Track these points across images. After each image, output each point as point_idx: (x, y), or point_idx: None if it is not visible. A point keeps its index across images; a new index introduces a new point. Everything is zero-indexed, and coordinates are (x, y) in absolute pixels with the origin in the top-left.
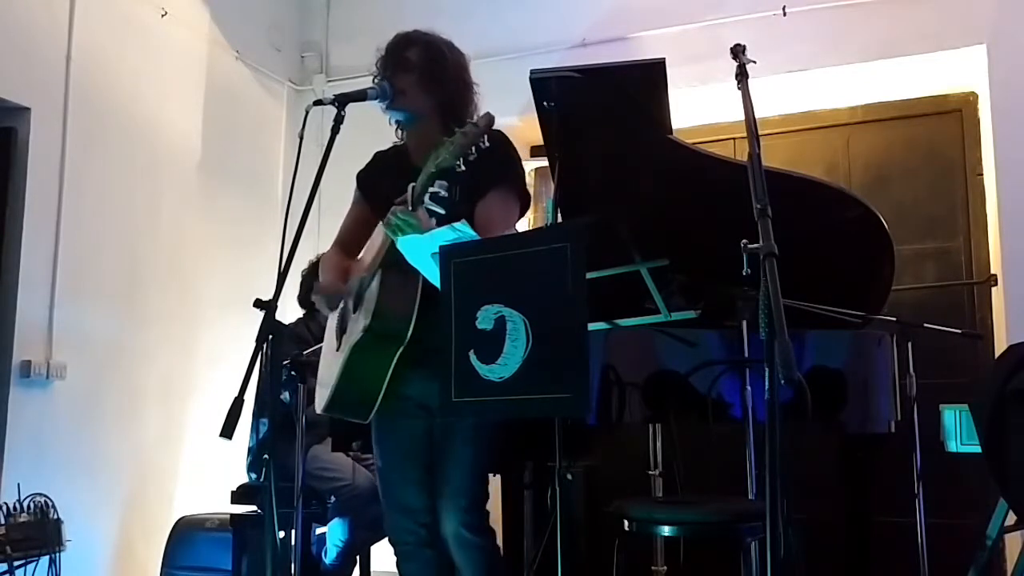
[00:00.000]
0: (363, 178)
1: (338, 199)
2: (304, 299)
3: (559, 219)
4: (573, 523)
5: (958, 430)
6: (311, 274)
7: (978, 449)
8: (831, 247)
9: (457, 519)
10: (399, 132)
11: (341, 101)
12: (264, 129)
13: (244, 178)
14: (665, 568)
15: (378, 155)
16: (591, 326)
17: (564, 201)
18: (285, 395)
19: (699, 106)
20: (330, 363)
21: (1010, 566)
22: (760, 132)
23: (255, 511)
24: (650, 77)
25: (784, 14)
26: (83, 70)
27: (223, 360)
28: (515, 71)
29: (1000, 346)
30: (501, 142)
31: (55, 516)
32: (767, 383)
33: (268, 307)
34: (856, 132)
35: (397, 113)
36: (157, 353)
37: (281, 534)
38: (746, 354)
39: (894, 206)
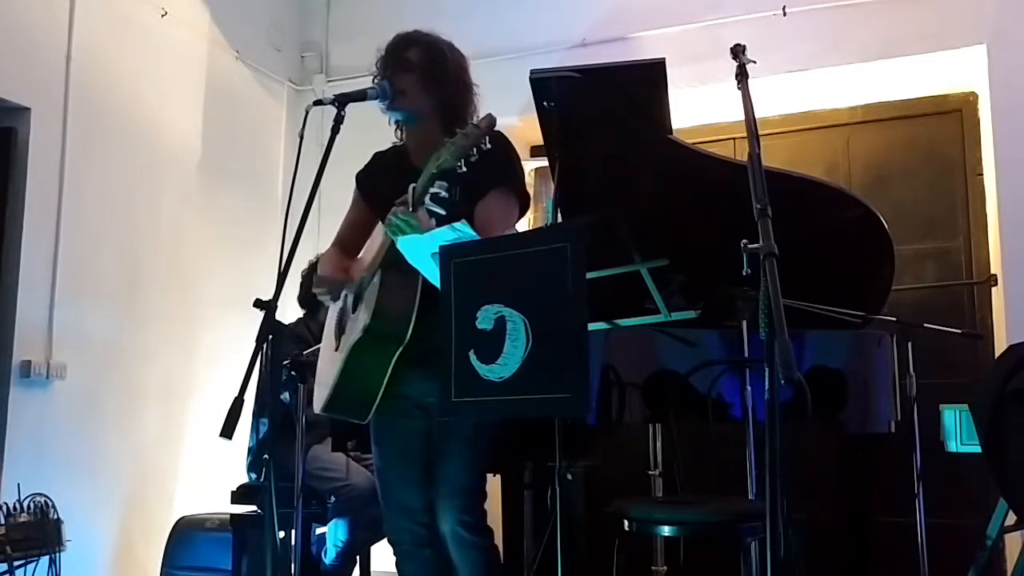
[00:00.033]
0: (362, 178)
1: (338, 199)
2: (304, 299)
3: (559, 219)
4: (573, 523)
5: (958, 430)
6: (311, 274)
7: (978, 449)
8: (831, 247)
9: (454, 518)
10: (399, 132)
11: (341, 101)
12: (264, 129)
13: (244, 178)
14: (665, 568)
15: (377, 155)
16: (591, 326)
17: (564, 201)
18: (285, 395)
19: (699, 106)
20: (329, 363)
21: (1010, 566)
22: (760, 132)
23: (255, 511)
24: (650, 77)
25: (784, 14)
26: (83, 70)
27: (223, 360)
28: (515, 71)
29: (1000, 346)
30: (501, 143)
31: (55, 516)
32: (767, 383)
33: (268, 307)
34: (856, 132)
35: (397, 113)
36: (157, 353)
37: (281, 534)
38: (746, 354)
39: (894, 206)
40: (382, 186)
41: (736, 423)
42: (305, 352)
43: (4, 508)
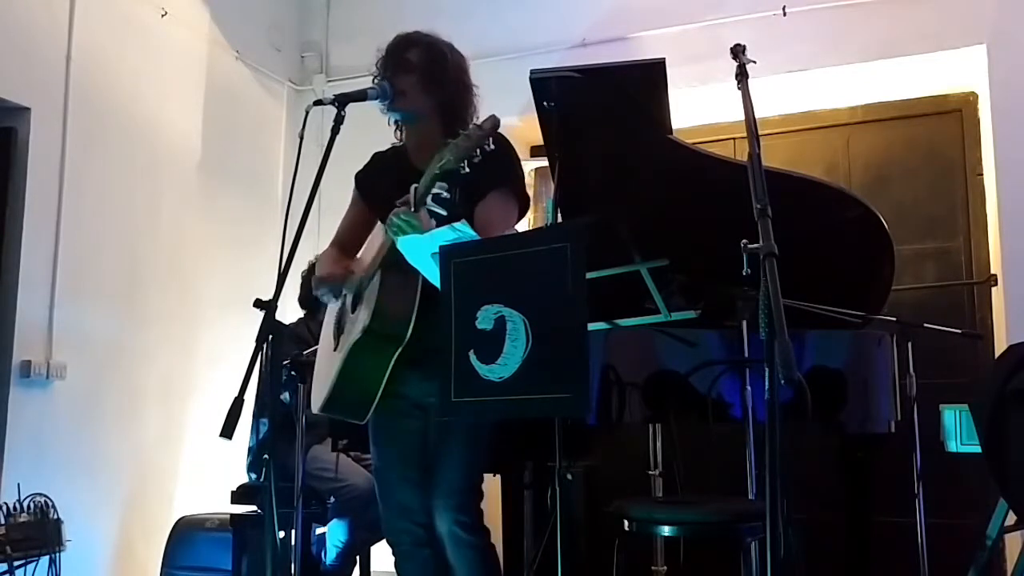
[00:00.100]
0: (362, 179)
1: (338, 199)
2: (304, 299)
3: (559, 219)
4: (573, 523)
5: (958, 430)
6: (311, 274)
7: (978, 449)
8: (831, 247)
9: (451, 518)
10: (399, 133)
11: (341, 101)
12: (264, 129)
13: (244, 178)
14: (665, 568)
15: (377, 156)
16: (591, 326)
17: (564, 201)
18: (285, 395)
19: (699, 106)
20: (327, 363)
21: (1010, 566)
22: (760, 132)
23: (255, 511)
24: (650, 77)
25: (784, 14)
26: (83, 70)
27: (223, 360)
28: (515, 71)
29: (1000, 346)
30: (502, 144)
31: (55, 516)
32: (767, 383)
33: (268, 307)
34: (856, 132)
35: (397, 113)
36: (157, 353)
37: (281, 534)
38: (746, 354)
39: (894, 206)
40: (381, 186)
41: (736, 423)
42: (305, 352)
43: (4, 508)
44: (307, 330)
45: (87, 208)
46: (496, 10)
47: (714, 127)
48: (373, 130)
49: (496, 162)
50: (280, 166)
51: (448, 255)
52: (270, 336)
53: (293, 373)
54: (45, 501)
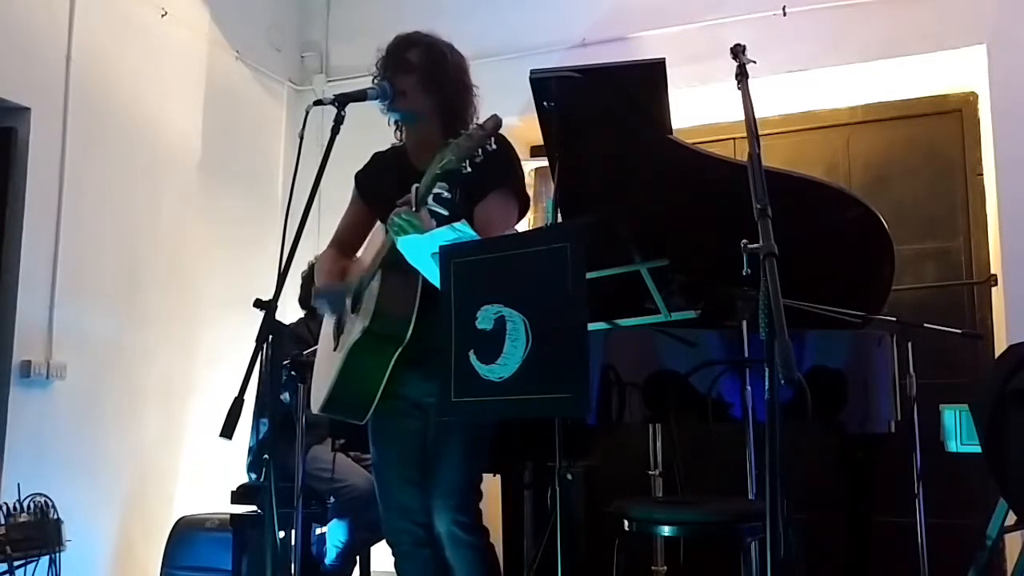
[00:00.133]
0: (361, 178)
1: (338, 199)
2: (304, 300)
3: (559, 219)
4: (573, 523)
5: (958, 430)
6: (311, 275)
7: (978, 449)
8: (831, 247)
9: (449, 518)
10: (398, 133)
11: (341, 101)
12: (264, 129)
13: (244, 178)
14: (665, 568)
15: (377, 156)
16: (591, 326)
17: (564, 201)
18: (285, 395)
19: (699, 106)
20: (327, 363)
21: (1010, 566)
22: (760, 132)
23: (255, 511)
24: (650, 77)
25: (784, 14)
26: (83, 70)
27: (223, 360)
28: (515, 71)
29: (1000, 346)
30: (503, 144)
31: (55, 516)
32: (767, 383)
33: (268, 307)
34: (856, 132)
35: (397, 114)
36: (157, 353)
37: (281, 534)
38: (746, 354)
39: (894, 206)
40: (381, 186)
41: (736, 423)
42: (305, 352)
43: (4, 508)
44: (307, 330)
45: (87, 208)
46: (496, 10)
47: (714, 127)
48: (373, 130)
49: (497, 162)
50: (280, 166)
51: (448, 255)
52: (270, 336)
53: (293, 373)
54: (45, 501)
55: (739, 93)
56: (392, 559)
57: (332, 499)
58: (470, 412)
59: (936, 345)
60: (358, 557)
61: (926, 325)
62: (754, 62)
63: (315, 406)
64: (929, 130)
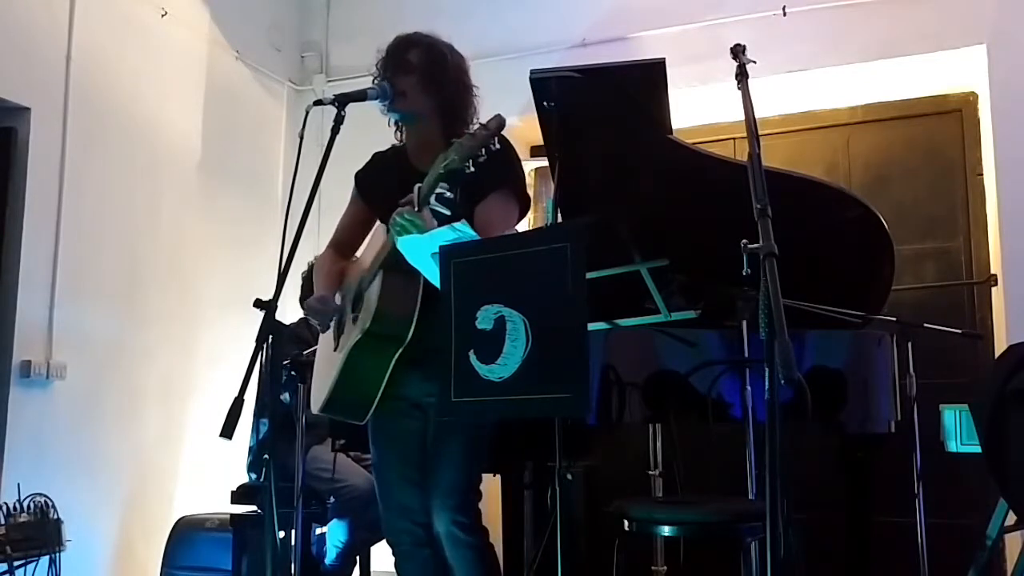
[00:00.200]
0: (361, 178)
1: (338, 199)
2: (305, 300)
3: (559, 219)
4: (573, 523)
5: (958, 430)
6: (311, 275)
7: (978, 449)
8: (831, 247)
9: (449, 518)
10: (398, 133)
11: (341, 101)
12: (264, 129)
13: (244, 178)
14: (665, 568)
15: (377, 156)
16: (591, 326)
17: (564, 201)
18: (285, 395)
19: (699, 106)
20: (327, 363)
21: (1010, 566)
22: (760, 132)
23: (255, 511)
24: (650, 77)
25: (784, 14)
26: (83, 70)
27: (223, 360)
28: (515, 71)
29: (1000, 346)
30: (504, 144)
31: (55, 516)
32: (767, 383)
33: (268, 307)
34: (856, 132)
35: (397, 114)
36: (157, 353)
37: (281, 534)
38: (746, 354)
39: (894, 206)
40: (381, 186)
41: (736, 423)
42: (305, 352)
43: (4, 508)
44: (308, 330)
45: (87, 208)
46: (496, 10)
47: (714, 127)
48: (373, 130)
49: (498, 162)
50: (280, 166)
51: (448, 255)
52: (270, 336)
53: (293, 373)
54: (45, 501)
55: (739, 93)
56: (392, 559)
57: (332, 499)
58: (470, 412)
59: (936, 345)
60: (358, 557)
61: (926, 325)
62: (754, 62)
63: (315, 406)
64: (929, 130)
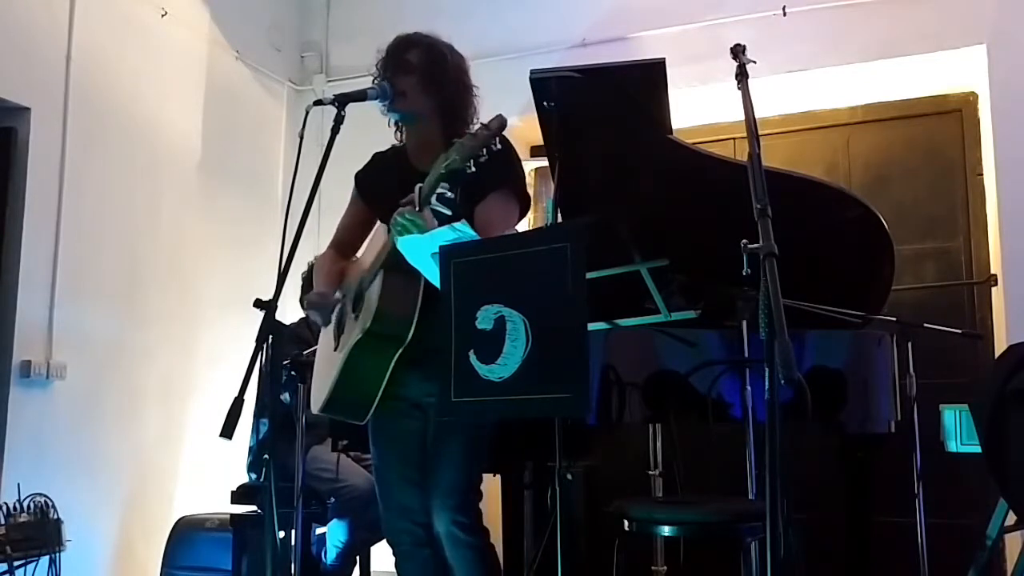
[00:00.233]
0: (361, 179)
1: (338, 199)
2: None
3: (559, 219)
4: (573, 523)
5: (958, 430)
6: (311, 276)
7: (978, 449)
8: (831, 247)
9: (449, 518)
10: (398, 133)
11: (341, 101)
12: (264, 129)
13: (244, 178)
14: (665, 568)
15: (377, 156)
16: (591, 326)
17: (564, 201)
18: (285, 395)
19: (699, 106)
20: (327, 363)
21: (1010, 566)
22: (760, 132)
23: (255, 511)
24: (650, 77)
25: (784, 14)
26: (83, 70)
27: (223, 360)
28: (515, 71)
29: (1000, 346)
30: (505, 144)
31: (55, 516)
32: (767, 383)
33: (268, 307)
34: (856, 132)
35: (397, 114)
36: (157, 353)
37: (281, 534)
38: (746, 354)
39: (894, 206)
40: (382, 187)
41: (736, 423)
42: (305, 352)
43: (4, 508)
44: (308, 330)
45: (87, 208)
46: (496, 10)
47: (714, 127)
48: (373, 130)
49: (498, 162)
50: (280, 166)
51: (448, 255)
52: (270, 336)
53: (293, 373)
54: (45, 501)
55: (739, 93)
56: (392, 559)
57: (332, 499)
58: (470, 412)
59: (936, 345)
60: (358, 557)
61: (926, 325)
62: (754, 62)
63: (315, 406)
64: (929, 130)
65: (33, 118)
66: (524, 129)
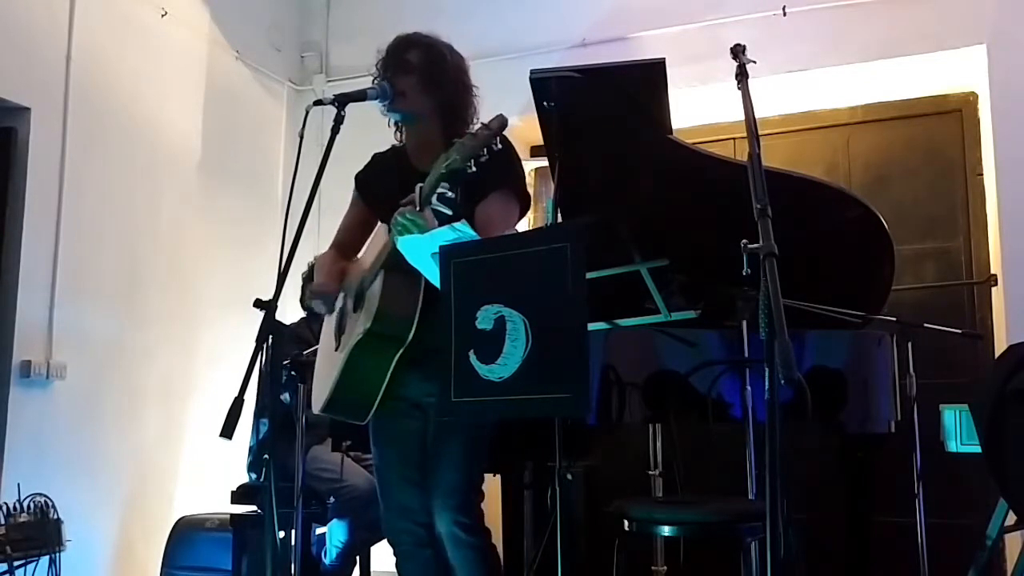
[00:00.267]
0: (362, 180)
1: (338, 199)
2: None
3: (559, 219)
4: (573, 523)
5: (958, 430)
6: (311, 276)
7: (978, 449)
8: (831, 247)
9: (450, 519)
10: (398, 134)
11: (341, 101)
12: (264, 129)
13: (244, 178)
14: (665, 568)
15: (377, 157)
16: (591, 326)
17: (564, 201)
18: (285, 395)
19: (699, 106)
20: (328, 363)
21: (1010, 566)
22: (760, 132)
23: (255, 511)
24: (650, 77)
25: (784, 14)
26: (83, 70)
27: (223, 360)
28: (515, 71)
29: (1000, 346)
30: (505, 143)
31: (55, 516)
32: (767, 383)
33: (268, 307)
34: (856, 132)
35: (397, 114)
36: (157, 353)
37: (281, 534)
38: (746, 354)
39: (894, 206)
40: (382, 187)
41: (736, 423)
42: (305, 352)
43: (4, 508)
44: (308, 330)
45: (87, 208)
46: (496, 10)
47: (714, 127)
48: (373, 130)
49: (499, 161)
50: (280, 166)
51: (448, 255)
52: (270, 336)
53: (293, 373)
54: (45, 501)
55: (739, 93)
56: (392, 559)
57: (332, 499)
58: (470, 412)
59: (936, 345)
60: (358, 557)
61: (926, 325)
62: (754, 62)
63: (316, 406)
64: (929, 130)
65: (33, 118)
66: (524, 129)
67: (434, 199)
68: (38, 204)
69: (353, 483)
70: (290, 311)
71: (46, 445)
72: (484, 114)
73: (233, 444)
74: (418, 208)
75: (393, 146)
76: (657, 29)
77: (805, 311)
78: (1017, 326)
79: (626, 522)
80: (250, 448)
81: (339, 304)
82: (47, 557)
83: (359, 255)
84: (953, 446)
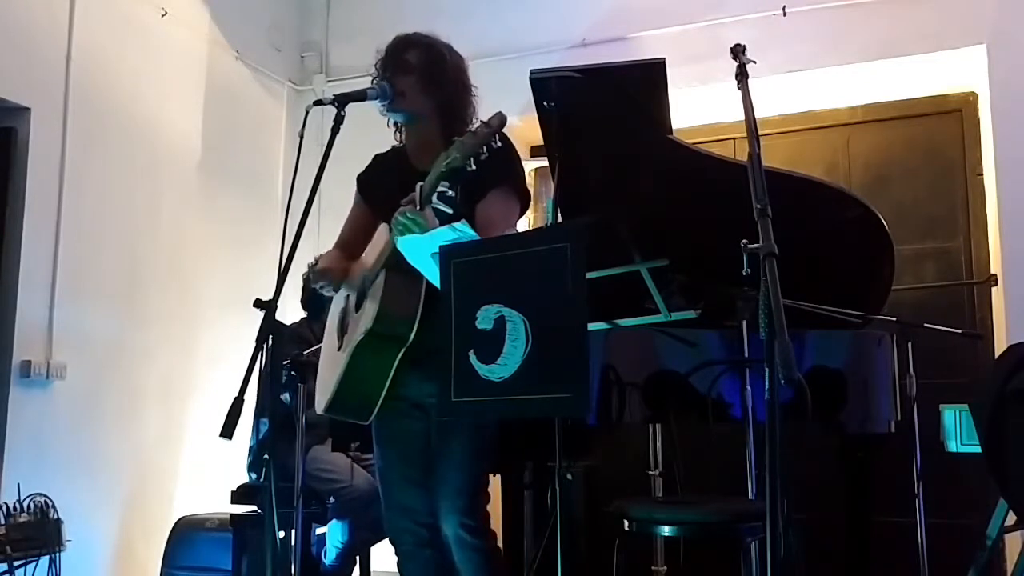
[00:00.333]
0: (363, 180)
1: (338, 199)
2: (307, 302)
3: (559, 219)
4: (573, 523)
5: (958, 430)
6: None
7: (978, 449)
8: (831, 247)
9: (456, 521)
10: (398, 134)
11: (341, 101)
12: (264, 129)
13: (244, 178)
14: (665, 568)
15: (377, 157)
16: (591, 326)
17: (564, 201)
18: (285, 395)
19: (699, 106)
20: (330, 363)
21: (1010, 566)
22: (760, 132)
23: (255, 511)
24: (650, 77)
25: (784, 14)
26: (83, 70)
27: (223, 360)
28: (515, 71)
29: (1000, 346)
30: (505, 141)
31: (55, 516)
32: (767, 383)
33: (268, 307)
34: (856, 132)
35: (397, 114)
36: (157, 353)
37: (281, 534)
38: (746, 354)
39: (894, 206)
40: (383, 187)
41: (736, 423)
42: (306, 352)
43: (4, 508)
44: (308, 330)
45: (87, 208)
46: (496, 10)
47: (714, 127)
48: (373, 130)
49: (499, 159)
50: (280, 166)
51: (448, 255)
52: (270, 336)
53: (293, 373)
54: (45, 501)
55: (739, 93)
56: (393, 559)
57: (332, 499)
58: (470, 412)
59: (936, 345)
60: (358, 557)
61: (926, 325)
62: (754, 62)
63: (319, 407)
64: (929, 130)
65: (33, 118)
66: (524, 129)
67: (434, 198)
68: (38, 204)
69: (353, 483)
70: (290, 311)
71: (46, 445)
72: (483, 114)
73: (233, 444)
74: (419, 207)
75: (393, 146)
76: (657, 29)
77: (805, 311)
78: (1017, 326)
79: (626, 522)
80: (250, 448)
81: (342, 303)
82: (47, 557)
83: (362, 256)
84: (953, 446)
